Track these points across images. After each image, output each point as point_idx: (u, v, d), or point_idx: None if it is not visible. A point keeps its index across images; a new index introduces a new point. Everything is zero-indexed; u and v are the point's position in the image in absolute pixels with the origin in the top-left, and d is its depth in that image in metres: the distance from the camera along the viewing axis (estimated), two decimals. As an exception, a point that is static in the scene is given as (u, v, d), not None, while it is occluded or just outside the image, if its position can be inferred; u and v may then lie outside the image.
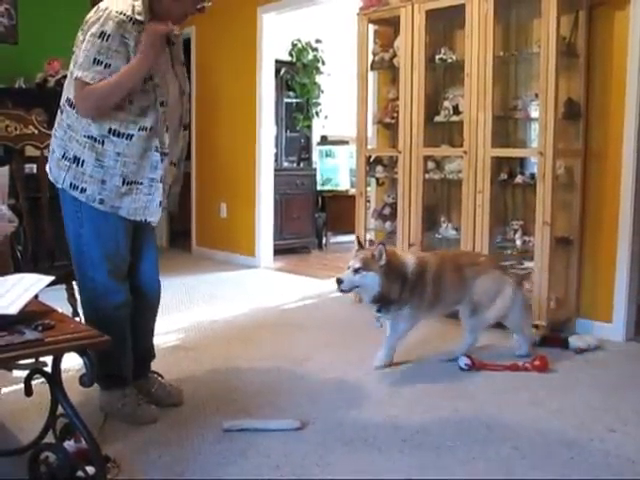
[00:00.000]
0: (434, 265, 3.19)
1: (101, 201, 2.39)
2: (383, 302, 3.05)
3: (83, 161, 2.37)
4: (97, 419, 2.49)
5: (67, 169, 2.40)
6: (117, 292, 2.50)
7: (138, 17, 2.30)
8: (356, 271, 2.99)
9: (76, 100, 2.33)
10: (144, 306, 2.66)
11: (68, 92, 2.41)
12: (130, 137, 2.36)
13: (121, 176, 2.38)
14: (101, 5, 2.32)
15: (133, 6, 2.31)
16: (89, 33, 2.28)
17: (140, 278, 2.63)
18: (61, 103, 2.46)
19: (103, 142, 2.35)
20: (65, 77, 2.47)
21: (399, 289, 3.05)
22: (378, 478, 2.16)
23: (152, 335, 2.81)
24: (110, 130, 2.34)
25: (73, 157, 2.39)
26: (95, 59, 2.26)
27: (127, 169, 2.38)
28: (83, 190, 2.39)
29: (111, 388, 2.57)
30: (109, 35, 2.26)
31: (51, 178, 2.48)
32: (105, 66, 2.27)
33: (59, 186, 2.46)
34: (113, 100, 2.31)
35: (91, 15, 2.33)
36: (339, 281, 2.98)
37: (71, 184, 2.40)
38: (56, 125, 2.48)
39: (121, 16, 2.27)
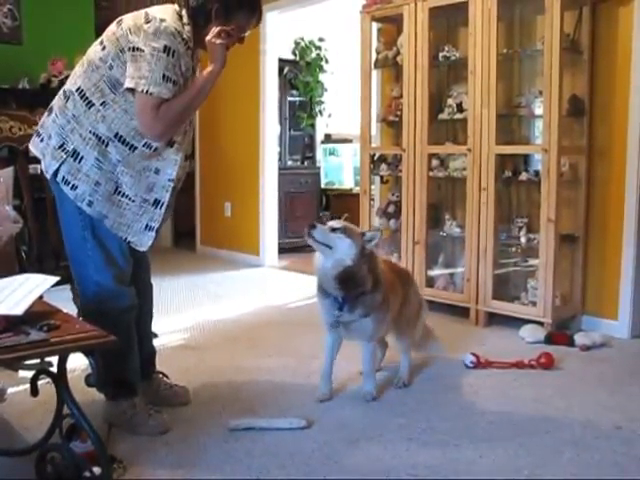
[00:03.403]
0: (393, 279, 2.83)
1: (90, 203, 2.28)
2: (348, 285, 2.56)
3: (82, 157, 2.26)
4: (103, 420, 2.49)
5: (62, 161, 2.28)
6: (123, 296, 2.40)
7: (190, 44, 2.25)
8: (334, 230, 2.55)
9: (149, 119, 2.20)
10: (143, 310, 2.61)
11: (83, 82, 2.27)
12: (133, 148, 2.28)
13: (116, 183, 2.30)
14: (154, 14, 2.21)
15: (183, 29, 2.23)
16: (150, 46, 2.15)
17: (137, 284, 2.53)
18: (68, 88, 2.32)
19: (107, 144, 2.26)
20: (68, 77, 2.41)
21: (372, 283, 2.60)
22: (384, 478, 2.16)
23: (151, 338, 2.77)
24: (117, 135, 2.26)
25: (72, 150, 2.27)
26: (164, 75, 2.16)
27: (123, 179, 2.30)
28: (74, 187, 2.27)
29: (118, 398, 2.45)
30: (174, 51, 2.17)
31: (42, 165, 2.35)
32: (174, 83, 2.19)
33: (48, 176, 2.32)
34: (187, 117, 2.28)
35: (140, 20, 2.21)
36: (312, 226, 2.52)
37: (64, 178, 2.28)
38: (57, 110, 2.33)
39: (179, 37, 2.20)
